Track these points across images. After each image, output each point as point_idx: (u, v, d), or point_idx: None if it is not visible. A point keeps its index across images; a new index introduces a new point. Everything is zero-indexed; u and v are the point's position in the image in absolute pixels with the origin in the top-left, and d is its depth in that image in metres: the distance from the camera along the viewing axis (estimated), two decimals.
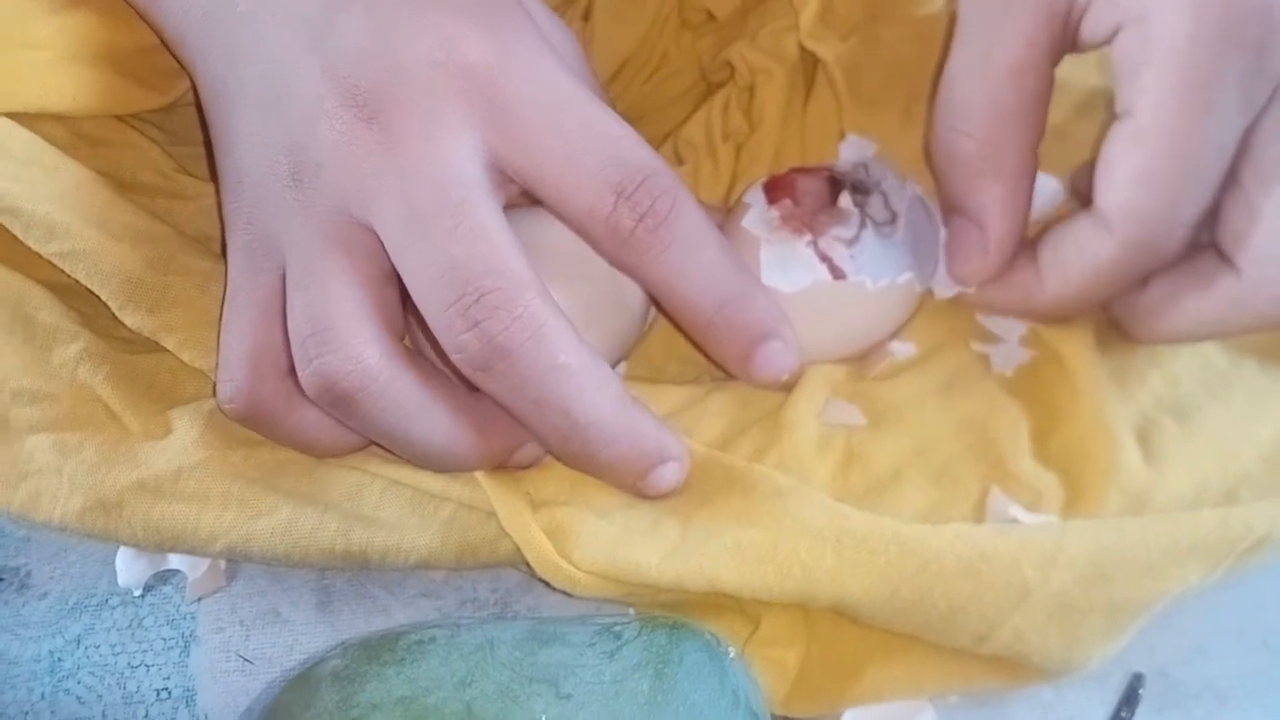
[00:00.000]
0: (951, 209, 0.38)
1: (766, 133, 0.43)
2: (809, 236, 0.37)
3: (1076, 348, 0.38)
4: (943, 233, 0.39)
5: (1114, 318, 0.38)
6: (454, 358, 0.32)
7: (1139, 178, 0.33)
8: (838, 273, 0.37)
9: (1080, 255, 0.35)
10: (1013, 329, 0.39)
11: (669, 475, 0.34)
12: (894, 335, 0.39)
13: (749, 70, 0.44)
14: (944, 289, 0.39)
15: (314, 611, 0.38)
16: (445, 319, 0.32)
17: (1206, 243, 0.35)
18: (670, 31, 0.47)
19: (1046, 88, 0.36)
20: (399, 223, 0.33)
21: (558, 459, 0.35)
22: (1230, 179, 0.34)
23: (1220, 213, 0.34)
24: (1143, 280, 0.36)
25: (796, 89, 0.44)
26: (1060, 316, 0.38)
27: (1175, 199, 0.33)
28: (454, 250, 0.32)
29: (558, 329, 0.32)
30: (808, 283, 0.37)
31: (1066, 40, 0.35)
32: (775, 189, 0.39)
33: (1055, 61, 0.36)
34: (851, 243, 0.37)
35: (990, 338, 0.39)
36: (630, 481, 0.34)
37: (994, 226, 0.37)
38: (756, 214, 0.38)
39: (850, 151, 0.42)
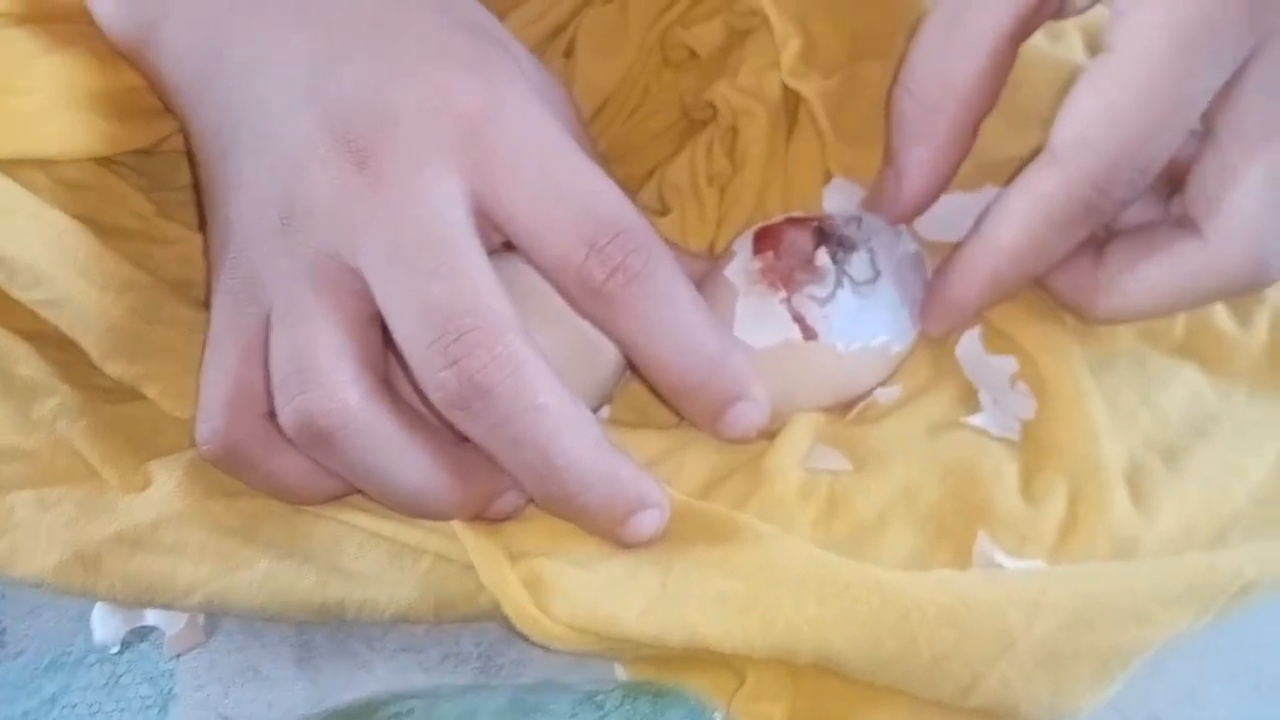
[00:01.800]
0: (885, 157, 0.39)
1: (750, 174, 0.43)
2: (784, 293, 0.37)
3: (1067, 383, 0.37)
4: (921, 279, 0.39)
5: (1067, 298, 0.38)
6: (432, 396, 0.32)
7: (1102, 111, 0.32)
8: (809, 333, 0.36)
9: (1024, 195, 0.35)
10: (1002, 371, 0.39)
11: (648, 522, 0.34)
12: (870, 392, 0.38)
13: (731, 111, 0.44)
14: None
15: (294, 668, 0.38)
16: (425, 357, 0.32)
17: (1159, 219, 0.36)
18: (652, 69, 0.47)
19: (1004, 65, 0.36)
20: (382, 262, 0.33)
21: (535, 502, 0.35)
22: (1205, 139, 0.33)
23: (1192, 175, 0.34)
24: (1096, 252, 0.36)
25: (779, 129, 0.43)
26: (1012, 275, 0.37)
27: (1135, 140, 0.32)
28: (435, 289, 0.32)
29: (537, 370, 0.32)
30: (778, 341, 0.36)
31: (1042, 16, 0.36)
32: (763, 239, 0.38)
33: (1021, 40, 0.36)
34: (825, 301, 0.37)
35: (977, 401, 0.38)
36: (608, 528, 0.34)
37: (908, 185, 0.38)
38: (739, 264, 0.38)
39: (836, 195, 0.42)
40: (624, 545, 0.34)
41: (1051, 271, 0.37)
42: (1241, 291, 0.35)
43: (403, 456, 0.33)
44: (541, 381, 0.32)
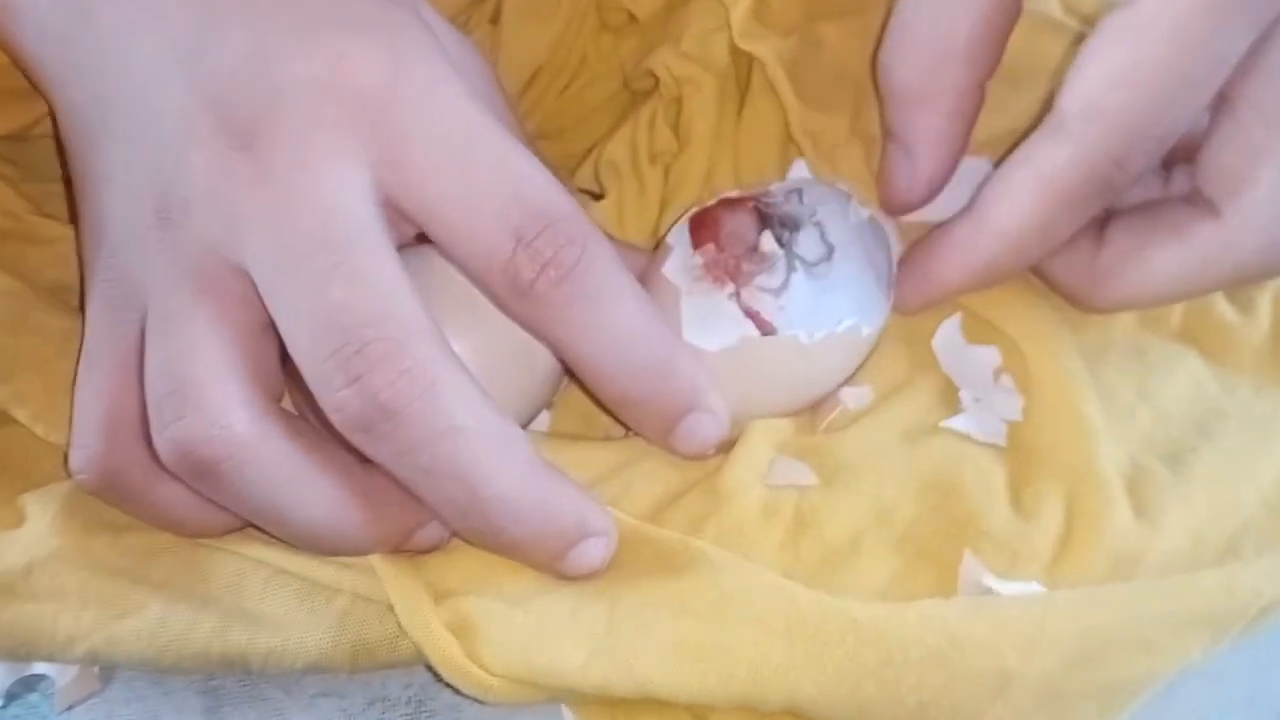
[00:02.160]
0: (885, 134, 0.36)
1: (696, 151, 0.39)
2: (732, 288, 0.33)
3: (1056, 378, 0.34)
4: (896, 253, 0.35)
5: (1065, 283, 0.34)
6: (333, 419, 0.28)
7: (1118, 74, 0.30)
8: (766, 327, 0.33)
9: (1030, 172, 0.31)
10: (984, 363, 0.35)
11: (591, 553, 0.30)
12: (843, 384, 0.35)
13: (674, 81, 0.40)
14: None
15: (200, 718, 0.34)
16: (322, 373, 0.28)
17: (1158, 194, 0.34)
18: (588, 34, 0.43)
19: (1008, 20, 0.34)
20: (272, 262, 0.29)
21: (461, 538, 0.31)
22: (1221, 111, 0.31)
23: (1207, 150, 0.31)
24: (1097, 234, 0.33)
25: (729, 98, 0.40)
26: (1012, 262, 0.34)
27: (1156, 105, 0.30)
28: (334, 294, 0.28)
29: (454, 385, 0.28)
30: (733, 340, 0.33)
31: None
32: (700, 228, 0.34)
33: None
34: (779, 291, 0.33)
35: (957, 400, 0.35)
36: (545, 561, 0.30)
37: (923, 156, 0.35)
38: (678, 259, 0.34)
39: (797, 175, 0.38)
40: (566, 578, 0.30)
41: (1048, 256, 0.33)
42: (1254, 279, 0.33)
43: (303, 488, 0.29)
44: (459, 400, 0.28)
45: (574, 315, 0.30)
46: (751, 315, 0.33)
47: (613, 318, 0.30)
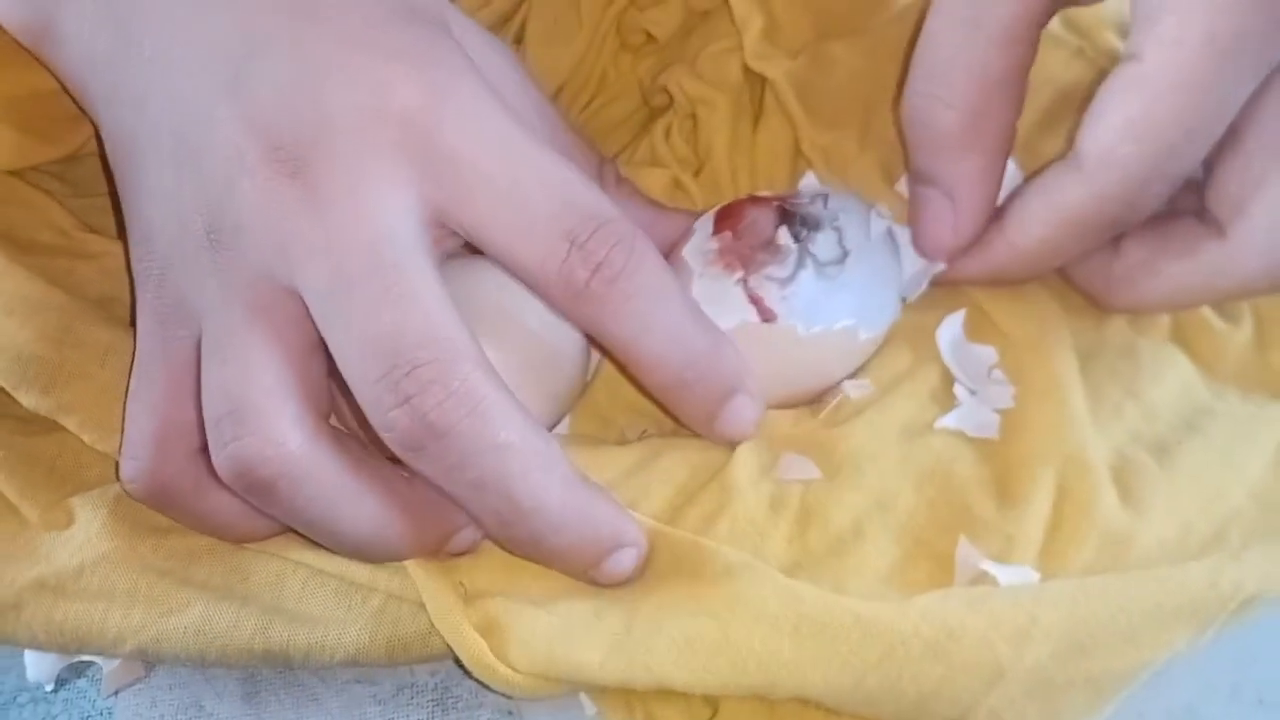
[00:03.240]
0: (920, 179, 0.36)
1: (716, 166, 0.40)
2: (740, 274, 0.35)
3: (1050, 377, 0.35)
4: (908, 266, 0.37)
5: (1082, 286, 0.36)
6: (384, 436, 0.30)
7: (1131, 125, 0.31)
8: (767, 314, 0.34)
9: (1048, 202, 0.33)
10: (982, 361, 0.37)
11: (624, 562, 0.32)
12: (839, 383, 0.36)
13: (688, 100, 0.41)
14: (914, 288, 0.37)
15: (240, 704, 0.36)
16: (374, 393, 0.29)
17: (1179, 208, 0.34)
18: (608, 54, 0.44)
19: (1033, 54, 0.34)
20: (324, 287, 0.30)
21: (500, 546, 0.33)
22: (1230, 140, 0.32)
23: (1215, 176, 0.33)
24: (1113, 243, 0.35)
25: (743, 114, 0.41)
26: (1022, 274, 0.36)
27: (1165, 154, 0.31)
28: (384, 317, 0.29)
29: (499, 404, 0.30)
30: (734, 324, 0.34)
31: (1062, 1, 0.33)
32: (723, 218, 0.36)
33: (1045, 24, 0.34)
34: (786, 282, 0.34)
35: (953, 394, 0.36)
36: (581, 570, 0.32)
37: (967, 200, 0.35)
38: (697, 243, 0.36)
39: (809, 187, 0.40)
40: (598, 585, 0.32)
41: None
42: (1259, 293, 0.34)
43: (350, 503, 0.31)
44: (504, 417, 0.30)
45: (628, 311, 0.31)
46: (755, 301, 0.34)
47: (663, 311, 0.32)
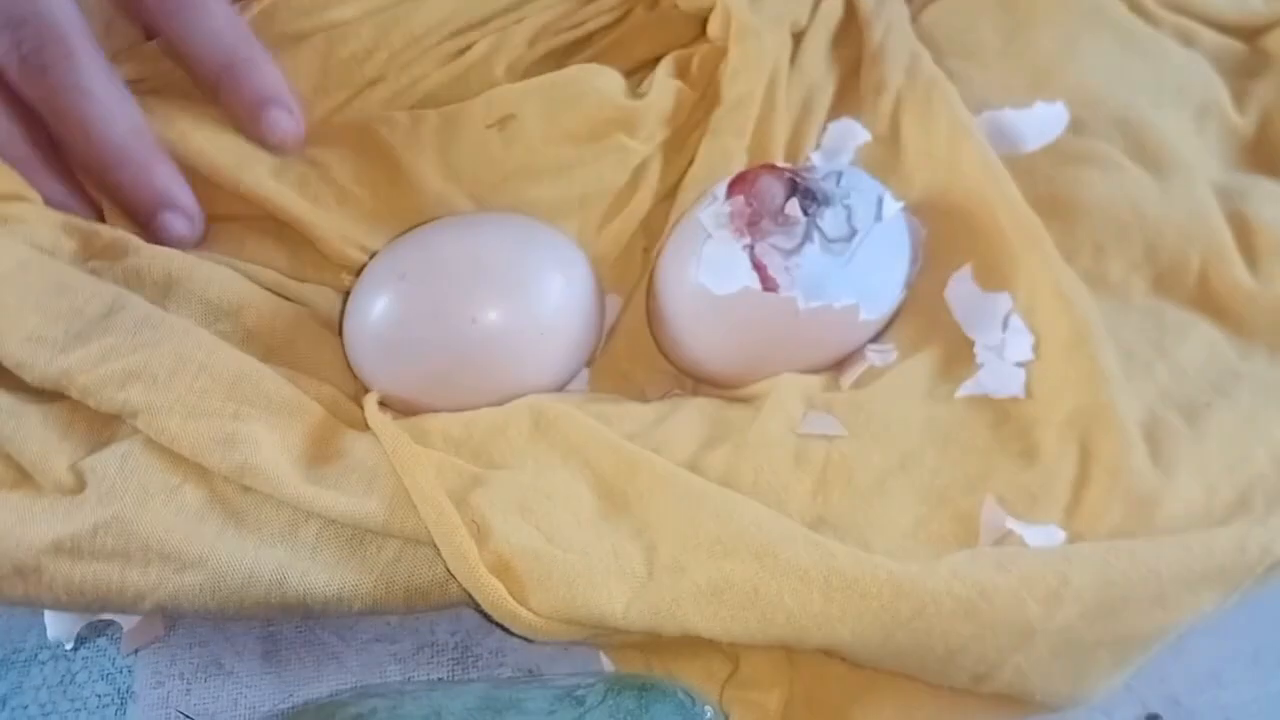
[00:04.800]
0: None
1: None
2: (748, 240, 0.35)
3: (1074, 326, 0.35)
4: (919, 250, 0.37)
5: None
6: (6, 74, 0.37)
7: None
8: (769, 283, 0.34)
9: None
10: (997, 309, 0.36)
11: (177, 225, 0.39)
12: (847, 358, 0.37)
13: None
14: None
15: (259, 662, 0.35)
16: (3, 45, 0.37)
17: None
18: None
19: None
20: None
21: (81, 175, 0.39)
22: None
23: None
24: None
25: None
26: None
27: None
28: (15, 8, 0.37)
29: (88, 62, 0.38)
30: (736, 289, 0.34)
31: None
32: (737, 183, 0.36)
33: None
34: (791, 253, 0.34)
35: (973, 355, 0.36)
36: (142, 218, 0.39)
37: None
38: (713, 207, 0.36)
39: (836, 135, 0.40)
40: (160, 244, 0.38)
41: None
42: None
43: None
44: (89, 71, 0.37)
45: (176, 22, 0.40)
46: (759, 268, 0.34)
47: (205, 24, 0.40)
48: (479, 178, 0.40)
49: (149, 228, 0.39)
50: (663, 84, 0.41)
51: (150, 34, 0.42)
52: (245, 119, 0.40)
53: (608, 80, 0.41)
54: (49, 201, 0.39)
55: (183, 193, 0.39)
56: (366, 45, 0.41)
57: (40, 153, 0.39)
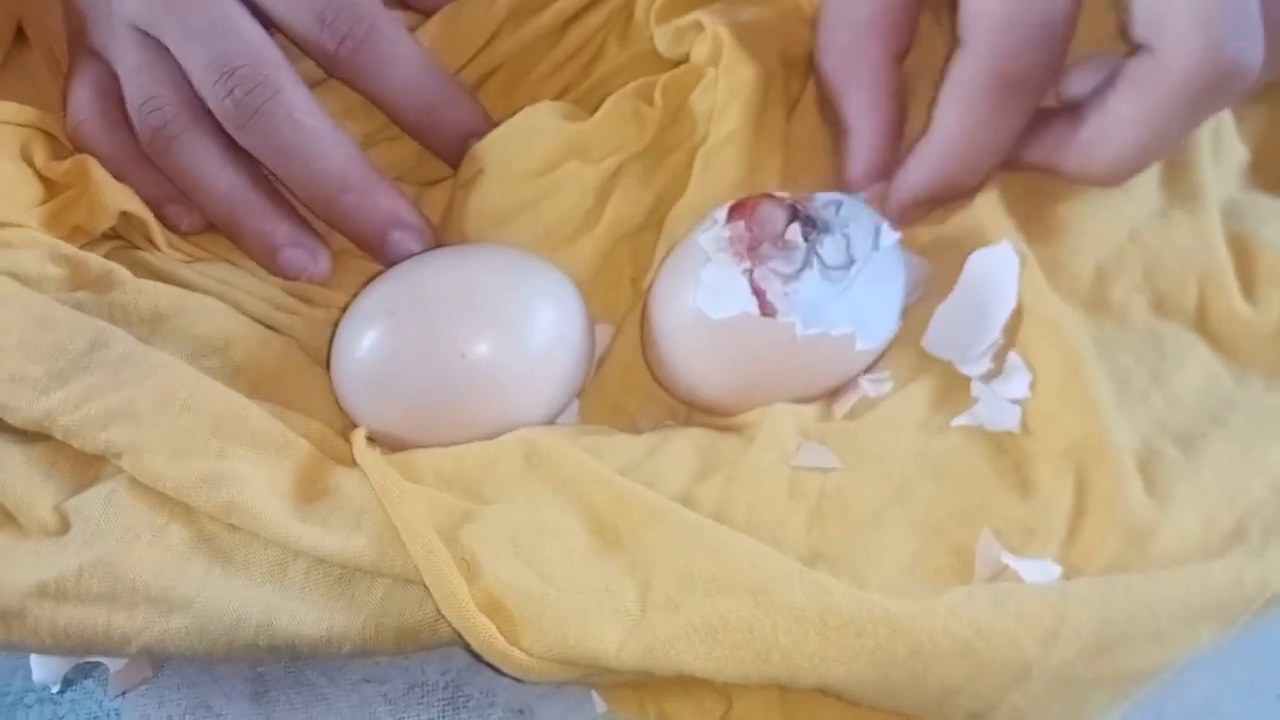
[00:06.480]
0: (835, 126, 0.39)
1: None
2: (747, 264, 0.35)
3: (1068, 359, 0.35)
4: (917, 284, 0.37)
5: (1057, 166, 0.37)
6: (221, 120, 0.39)
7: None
8: (767, 308, 0.34)
9: (946, 87, 0.35)
10: (985, 337, 0.36)
11: (409, 243, 0.40)
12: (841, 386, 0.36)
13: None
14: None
15: (247, 704, 0.35)
16: (214, 94, 0.38)
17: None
18: None
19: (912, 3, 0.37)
20: (178, 36, 0.39)
21: (314, 211, 0.40)
22: None
23: (1130, 9, 0.33)
24: (1070, 118, 0.36)
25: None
26: (954, 168, 0.37)
27: None
28: (215, 46, 0.39)
29: (297, 95, 0.39)
30: (734, 313, 0.34)
31: None
32: (738, 209, 0.36)
33: None
34: (790, 279, 0.34)
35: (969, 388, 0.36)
36: (372, 241, 0.40)
37: (859, 130, 0.38)
38: (713, 231, 0.36)
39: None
40: (388, 263, 0.39)
41: (1028, 143, 0.37)
42: (1213, 93, 0.33)
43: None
44: (299, 104, 0.39)
45: (370, 71, 0.40)
46: (758, 293, 0.34)
47: (398, 67, 0.41)
48: (448, 229, 0.41)
49: (382, 249, 0.40)
50: (612, 104, 0.40)
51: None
52: (447, 146, 0.42)
53: (552, 112, 0.41)
54: (281, 244, 0.40)
55: (408, 210, 0.40)
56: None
57: (264, 195, 0.40)
